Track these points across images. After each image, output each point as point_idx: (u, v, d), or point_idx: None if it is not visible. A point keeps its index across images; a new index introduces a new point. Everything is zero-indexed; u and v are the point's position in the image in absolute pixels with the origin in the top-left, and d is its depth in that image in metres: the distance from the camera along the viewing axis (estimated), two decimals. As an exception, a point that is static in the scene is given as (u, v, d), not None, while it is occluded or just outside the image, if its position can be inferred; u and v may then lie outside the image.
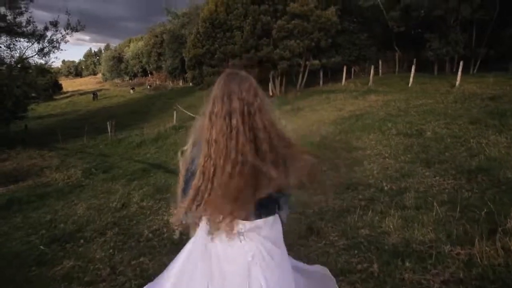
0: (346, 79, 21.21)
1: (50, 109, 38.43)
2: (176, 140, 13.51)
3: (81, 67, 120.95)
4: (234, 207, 1.24)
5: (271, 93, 21.25)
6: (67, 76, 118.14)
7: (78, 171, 9.09)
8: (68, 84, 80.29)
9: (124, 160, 11.57)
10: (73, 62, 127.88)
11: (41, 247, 3.53)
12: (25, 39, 16.95)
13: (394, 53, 22.56)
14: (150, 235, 3.65)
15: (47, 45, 17.45)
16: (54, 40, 17.58)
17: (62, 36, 17.73)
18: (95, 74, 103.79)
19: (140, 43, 59.94)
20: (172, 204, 1.52)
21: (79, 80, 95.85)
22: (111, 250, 3.20)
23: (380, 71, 22.02)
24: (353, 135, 8.86)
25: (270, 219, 1.39)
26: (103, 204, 5.49)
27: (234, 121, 1.23)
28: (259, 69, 19.23)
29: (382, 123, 9.34)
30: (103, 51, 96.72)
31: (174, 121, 18.05)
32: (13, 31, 16.43)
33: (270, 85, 21.03)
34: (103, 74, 78.10)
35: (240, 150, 1.21)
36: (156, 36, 51.23)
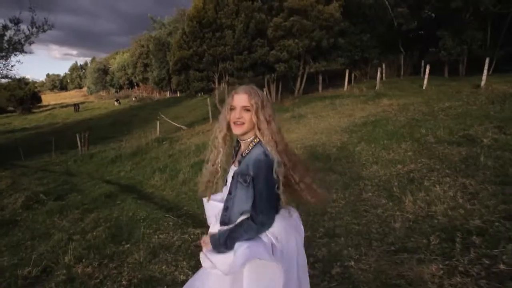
0: (347, 84, 19.40)
1: (26, 122, 35.66)
2: (158, 155, 11.26)
3: (66, 81, 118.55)
4: None
5: (266, 100, 19.16)
6: (51, 89, 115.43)
7: (20, 199, 6.74)
8: (52, 98, 77.88)
9: (91, 180, 9.30)
10: (58, 75, 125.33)
11: None
12: (-22, 39, 14.41)
13: (398, 56, 20.85)
14: None
15: (7, 46, 14.91)
16: (16, 41, 15.06)
17: (26, 36, 15.31)
18: (80, 87, 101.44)
19: (126, 55, 58.12)
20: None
21: (64, 94, 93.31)
22: None
23: (383, 75, 20.30)
24: (378, 145, 6.97)
25: None
26: (9, 268, 3.21)
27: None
28: (253, 73, 17.19)
29: (411, 129, 7.66)
30: (89, 64, 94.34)
31: (158, 133, 15.79)
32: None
33: (265, 91, 18.94)
34: (88, 87, 75.90)
35: None
36: (142, 46, 49.32)
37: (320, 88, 20.35)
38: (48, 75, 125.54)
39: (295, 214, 1.79)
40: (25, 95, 45.43)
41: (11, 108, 48.95)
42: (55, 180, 9.92)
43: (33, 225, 5.22)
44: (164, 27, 43.59)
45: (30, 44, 15.28)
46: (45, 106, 54.81)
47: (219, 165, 1.66)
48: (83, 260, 3.06)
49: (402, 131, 7.56)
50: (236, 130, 1.59)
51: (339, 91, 18.77)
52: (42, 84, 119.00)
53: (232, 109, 1.59)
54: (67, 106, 49.56)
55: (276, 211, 1.59)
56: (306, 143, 8.58)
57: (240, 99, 1.57)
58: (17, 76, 16.40)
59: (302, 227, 1.79)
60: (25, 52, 15.48)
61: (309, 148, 7.87)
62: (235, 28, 15.95)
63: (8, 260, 3.55)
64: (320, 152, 7.32)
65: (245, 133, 1.59)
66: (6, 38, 14.71)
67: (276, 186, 1.51)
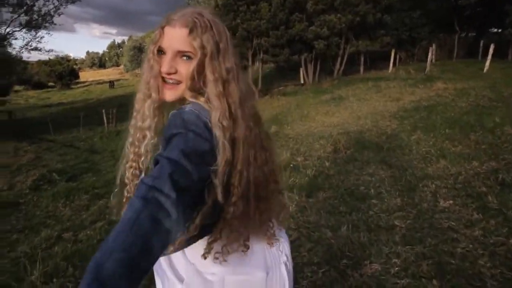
0: (392, 66, 17.75)
1: (64, 97, 36.39)
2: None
3: (105, 59, 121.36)
4: None
5: (302, 81, 17.95)
6: (91, 67, 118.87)
7: (30, 178, 6.18)
8: (91, 75, 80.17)
9: (112, 159, 8.75)
10: (97, 53, 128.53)
11: None
12: (8, 9, 14.19)
13: (451, 36, 18.80)
14: None
15: (36, 17, 14.65)
16: (45, 12, 14.80)
17: (55, 7, 14.98)
18: (118, 65, 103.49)
19: (161, 33, 58.26)
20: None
21: (102, 71, 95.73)
22: None
23: (433, 57, 18.41)
24: (439, 135, 5.78)
25: None
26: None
27: None
28: (290, 51, 15.96)
29: (479, 117, 6.36)
30: (126, 43, 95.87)
31: (187, 111, 15.09)
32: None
33: (302, 70, 17.70)
34: (125, 65, 77.05)
35: None
36: (176, 24, 48.81)
37: (361, 69, 18.81)
38: (88, 52, 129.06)
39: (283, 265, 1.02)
40: (64, 70, 46.61)
41: (51, 84, 50.55)
42: (77, 157, 9.51)
43: (33, 211, 4.56)
44: (198, 4, 42.74)
45: (59, 15, 15.01)
46: (83, 82, 56.22)
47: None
48: (54, 280, 2.23)
49: (467, 119, 6.34)
50: (167, 95, 0.86)
51: (382, 73, 17.24)
52: (82, 61, 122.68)
53: (160, 52, 0.85)
54: (103, 83, 50.46)
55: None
56: (349, 129, 7.55)
57: (175, 35, 0.82)
58: (47, 49, 16.25)
59: None
60: (55, 24, 15.23)
61: (353, 135, 6.81)
62: (272, 1, 14.73)
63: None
64: (367, 139, 6.26)
65: (182, 100, 0.86)
66: (35, 8, 14.43)
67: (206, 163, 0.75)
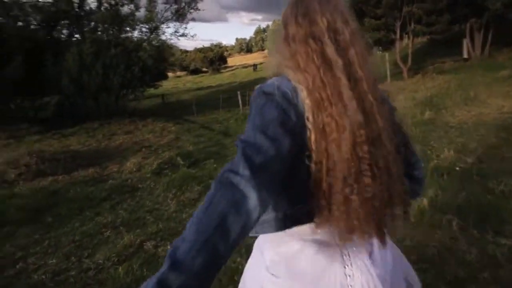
0: None
1: (213, 81, 39.80)
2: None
3: (251, 44, 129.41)
4: None
5: (466, 55, 14.59)
6: (239, 52, 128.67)
7: (157, 161, 6.23)
8: (238, 59, 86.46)
9: (239, 144, 8.44)
10: (244, 39, 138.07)
11: None
12: (163, 0, 15.80)
13: None
14: None
15: (184, 5, 15.95)
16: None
17: (198, -5, 16.06)
18: (263, 49, 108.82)
19: (304, 13, 58.16)
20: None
21: (248, 56, 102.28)
22: None
23: None
24: None
25: None
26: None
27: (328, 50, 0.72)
28: (450, 17, 12.98)
29: None
30: (270, 27, 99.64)
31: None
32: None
33: (466, 42, 14.35)
34: (269, 48, 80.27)
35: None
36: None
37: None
38: (236, 39, 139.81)
39: None
40: (214, 56, 51.20)
41: (204, 69, 56.49)
42: (210, 139, 9.62)
43: (144, 200, 4.35)
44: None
45: (202, 0, 16.08)
46: (231, 66, 60.88)
47: None
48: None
49: None
50: None
51: None
52: (232, 47, 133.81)
53: None
54: (247, 66, 53.40)
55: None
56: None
57: None
58: (191, 34, 17.66)
59: None
60: (198, 9, 16.33)
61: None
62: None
63: (52, 267, 2.47)
64: None
65: None
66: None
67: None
